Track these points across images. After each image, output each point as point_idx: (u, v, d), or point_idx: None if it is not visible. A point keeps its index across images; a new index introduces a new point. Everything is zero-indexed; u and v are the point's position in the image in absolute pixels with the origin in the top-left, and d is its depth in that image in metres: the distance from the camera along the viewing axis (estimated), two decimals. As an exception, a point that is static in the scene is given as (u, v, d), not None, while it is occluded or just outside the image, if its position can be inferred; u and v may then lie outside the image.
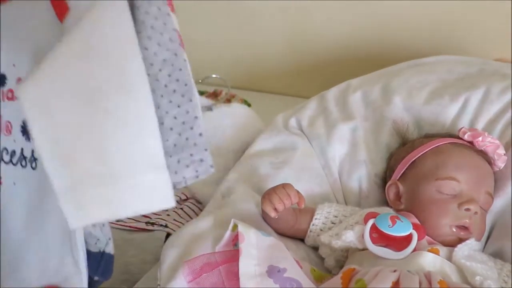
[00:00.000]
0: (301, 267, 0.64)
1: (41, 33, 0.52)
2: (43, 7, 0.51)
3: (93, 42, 0.40)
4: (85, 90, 0.39)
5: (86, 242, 0.54)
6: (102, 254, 0.55)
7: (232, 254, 0.61)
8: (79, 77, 0.40)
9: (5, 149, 0.56)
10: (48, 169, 0.39)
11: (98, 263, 0.55)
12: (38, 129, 0.39)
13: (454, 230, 0.69)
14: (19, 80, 0.54)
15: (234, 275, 0.59)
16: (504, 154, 0.76)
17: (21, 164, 0.55)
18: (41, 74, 0.40)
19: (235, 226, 0.64)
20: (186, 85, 0.46)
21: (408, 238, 0.66)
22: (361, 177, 0.86)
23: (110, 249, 0.56)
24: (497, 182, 0.77)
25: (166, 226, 0.90)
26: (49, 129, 0.39)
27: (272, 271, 0.59)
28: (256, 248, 0.61)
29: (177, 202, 0.95)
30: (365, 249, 0.67)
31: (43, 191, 0.54)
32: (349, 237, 0.68)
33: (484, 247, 0.75)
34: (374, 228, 0.67)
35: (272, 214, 0.69)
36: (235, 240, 0.62)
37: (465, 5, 1.11)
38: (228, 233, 0.64)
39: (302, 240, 0.77)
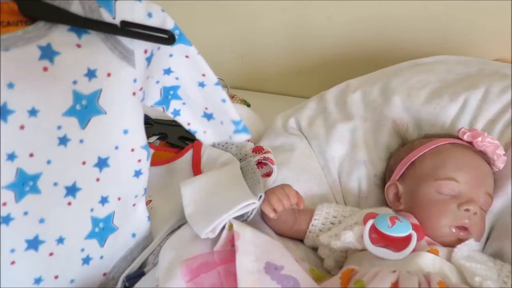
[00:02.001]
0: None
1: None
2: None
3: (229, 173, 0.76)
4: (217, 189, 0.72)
5: None
6: None
7: (230, 253, 0.61)
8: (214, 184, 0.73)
9: None
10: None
11: None
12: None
13: (454, 230, 0.69)
14: None
15: (233, 276, 0.59)
16: (504, 155, 0.76)
17: None
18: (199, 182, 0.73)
19: (231, 226, 0.64)
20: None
21: (408, 239, 0.65)
22: (360, 177, 0.86)
23: None
24: (497, 183, 0.77)
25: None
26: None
27: (270, 268, 0.59)
28: (253, 245, 0.61)
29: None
30: (364, 249, 0.67)
31: None
32: (348, 238, 0.68)
33: (484, 247, 0.75)
34: (373, 228, 0.67)
35: (271, 215, 0.69)
36: (232, 241, 0.62)
37: (465, 5, 1.11)
38: (225, 233, 0.64)
39: (301, 240, 0.77)
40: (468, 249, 0.67)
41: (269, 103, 1.22)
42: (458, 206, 0.69)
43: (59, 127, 0.53)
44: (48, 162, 0.53)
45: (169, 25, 0.59)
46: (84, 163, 0.57)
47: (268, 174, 0.77)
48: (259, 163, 0.79)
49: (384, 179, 0.85)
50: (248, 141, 0.87)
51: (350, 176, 0.86)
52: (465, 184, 0.71)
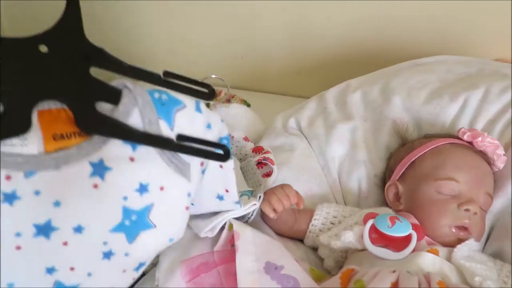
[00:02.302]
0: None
1: None
2: None
3: None
4: None
5: None
6: None
7: (230, 253, 0.61)
8: None
9: None
10: None
11: None
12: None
13: (454, 230, 0.69)
14: None
15: (233, 276, 0.59)
16: (504, 155, 0.76)
17: None
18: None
19: (231, 226, 0.64)
20: None
21: (408, 239, 0.65)
22: (360, 177, 0.86)
23: None
24: (497, 183, 0.77)
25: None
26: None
27: (269, 268, 0.59)
28: (253, 244, 0.61)
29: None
30: (364, 249, 0.67)
31: None
32: (348, 238, 0.68)
33: (484, 247, 0.75)
34: (373, 228, 0.67)
35: (271, 215, 0.69)
36: (232, 241, 0.62)
37: (465, 5, 1.11)
38: (225, 233, 0.64)
39: (301, 240, 0.77)
40: (468, 249, 0.67)
41: (269, 103, 1.22)
42: (458, 206, 0.69)
43: (105, 243, 0.50)
44: (89, 274, 0.50)
45: (223, 133, 0.56)
46: (125, 271, 0.54)
47: (268, 174, 0.77)
48: (259, 163, 0.79)
49: (384, 179, 0.85)
50: (248, 140, 0.87)
51: (350, 176, 0.86)
52: (465, 184, 0.71)
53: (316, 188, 0.84)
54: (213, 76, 1.07)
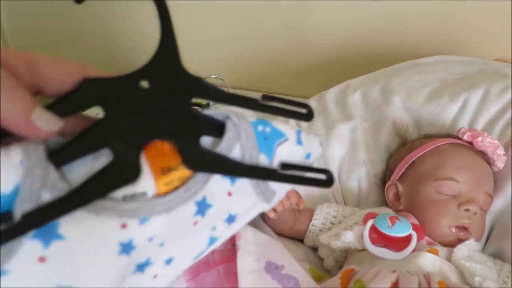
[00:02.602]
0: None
1: None
2: None
3: None
4: None
5: None
6: None
7: (231, 253, 0.61)
8: None
9: None
10: None
11: None
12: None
13: (454, 230, 0.69)
14: None
15: (233, 275, 0.59)
16: (504, 155, 0.76)
17: None
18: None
19: None
20: None
21: (408, 239, 0.65)
22: (360, 177, 0.86)
23: None
24: (497, 183, 0.77)
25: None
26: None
27: (270, 268, 0.59)
28: (253, 244, 0.61)
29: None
30: (364, 249, 0.67)
31: None
32: (348, 238, 0.68)
33: (484, 247, 0.75)
34: (373, 228, 0.67)
35: (271, 215, 0.69)
36: (232, 241, 0.62)
37: (465, 5, 1.11)
38: (225, 233, 0.64)
39: (301, 240, 0.77)
40: (468, 249, 0.67)
41: (269, 103, 1.22)
42: (458, 206, 0.69)
43: (184, 267, 0.50)
44: None
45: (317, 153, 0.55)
46: None
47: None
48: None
49: (384, 179, 0.85)
50: None
51: (350, 176, 0.86)
52: (465, 184, 0.71)
53: (316, 188, 0.84)
54: (213, 76, 1.07)
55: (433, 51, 1.04)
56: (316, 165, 0.87)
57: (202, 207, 0.46)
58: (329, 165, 0.87)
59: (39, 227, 0.36)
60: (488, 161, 0.76)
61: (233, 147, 0.45)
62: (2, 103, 0.33)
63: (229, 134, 0.45)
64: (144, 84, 0.40)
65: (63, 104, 0.38)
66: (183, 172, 0.44)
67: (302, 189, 0.78)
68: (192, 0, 1.26)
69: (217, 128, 0.45)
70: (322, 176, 0.49)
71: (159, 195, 0.42)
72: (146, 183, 0.41)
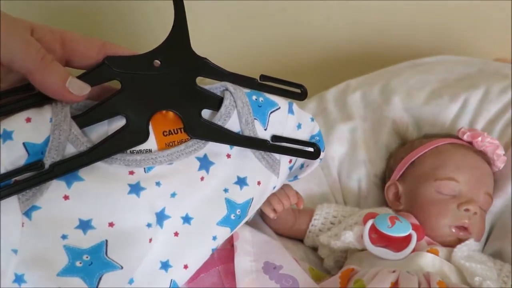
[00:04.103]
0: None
1: None
2: None
3: None
4: None
5: None
6: None
7: (229, 253, 0.61)
8: None
9: None
10: None
11: None
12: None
13: (454, 230, 0.69)
14: None
15: (232, 275, 0.59)
16: (504, 155, 0.76)
17: None
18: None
19: None
20: None
21: (407, 239, 0.65)
22: (360, 177, 0.86)
23: None
24: (497, 183, 0.77)
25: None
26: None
27: (268, 268, 0.59)
28: (252, 245, 0.61)
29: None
30: (364, 249, 0.67)
31: None
32: (348, 238, 0.68)
33: (484, 247, 0.75)
34: (373, 228, 0.67)
35: (271, 215, 0.69)
36: (231, 241, 0.62)
37: (464, 5, 1.11)
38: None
39: (301, 240, 0.77)
40: (468, 249, 0.67)
41: (269, 103, 1.22)
42: (458, 206, 0.69)
43: (214, 238, 0.53)
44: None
45: (314, 131, 0.60)
46: None
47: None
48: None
49: (384, 179, 0.85)
50: None
51: (350, 176, 0.86)
52: (465, 184, 0.71)
53: (316, 188, 0.84)
54: (212, 75, 1.06)
55: (433, 51, 1.04)
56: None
57: (205, 163, 0.52)
58: (329, 165, 0.87)
59: (65, 175, 0.45)
60: (488, 161, 0.76)
61: (230, 112, 0.52)
62: (44, 76, 0.42)
63: (226, 101, 0.52)
64: (157, 62, 0.48)
65: (89, 76, 0.46)
66: (182, 136, 0.51)
67: (302, 189, 0.78)
68: (193, 0, 1.26)
69: (217, 102, 0.53)
70: (310, 149, 0.57)
71: (161, 150, 0.50)
72: (150, 142, 0.49)
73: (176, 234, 0.51)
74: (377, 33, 1.20)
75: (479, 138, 0.76)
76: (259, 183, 0.55)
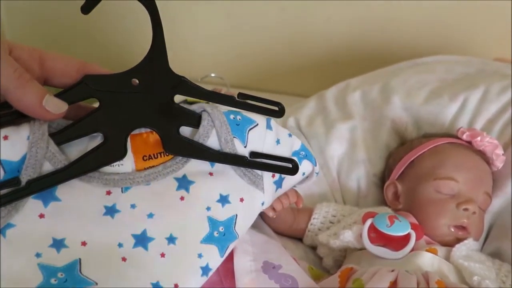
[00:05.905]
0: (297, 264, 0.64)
1: None
2: None
3: None
4: None
5: None
6: None
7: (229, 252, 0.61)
8: None
9: None
10: None
11: None
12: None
13: (452, 230, 0.69)
14: None
15: (232, 275, 0.59)
16: (503, 154, 0.76)
17: None
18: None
19: None
20: None
21: (406, 238, 0.66)
22: (359, 176, 0.86)
23: None
24: (496, 182, 0.77)
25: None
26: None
27: (267, 267, 0.59)
28: (251, 244, 0.61)
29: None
30: (363, 248, 0.67)
31: None
32: (347, 237, 0.68)
33: (482, 247, 0.75)
34: (372, 227, 0.67)
35: (271, 214, 0.69)
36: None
37: (465, 5, 1.11)
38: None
39: (300, 239, 0.77)
40: (466, 249, 0.67)
41: (269, 102, 1.22)
42: (457, 206, 0.69)
43: (200, 255, 0.52)
44: None
45: (296, 147, 0.60)
46: None
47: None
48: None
49: (383, 178, 0.85)
50: None
51: (349, 175, 0.86)
52: (464, 183, 0.71)
53: (315, 187, 0.84)
54: (212, 75, 1.07)
55: (433, 51, 1.04)
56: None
57: (184, 182, 0.52)
58: (328, 164, 0.87)
59: (41, 191, 0.45)
60: (487, 160, 0.76)
61: (209, 132, 0.53)
62: (21, 94, 0.42)
63: (204, 122, 0.53)
64: (135, 81, 0.48)
65: (67, 94, 0.46)
66: (162, 159, 0.51)
67: (302, 188, 0.78)
68: (192, 0, 1.26)
69: (196, 120, 0.53)
70: (288, 165, 0.57)
71: (138, 171, 0.50)
72: (129, 166, 0.50)
73: (162, 255, 0.50)
74: (377, 33, 1.20)
75: (478, 138, 0.76)
76: (241, 199, 0.55)
